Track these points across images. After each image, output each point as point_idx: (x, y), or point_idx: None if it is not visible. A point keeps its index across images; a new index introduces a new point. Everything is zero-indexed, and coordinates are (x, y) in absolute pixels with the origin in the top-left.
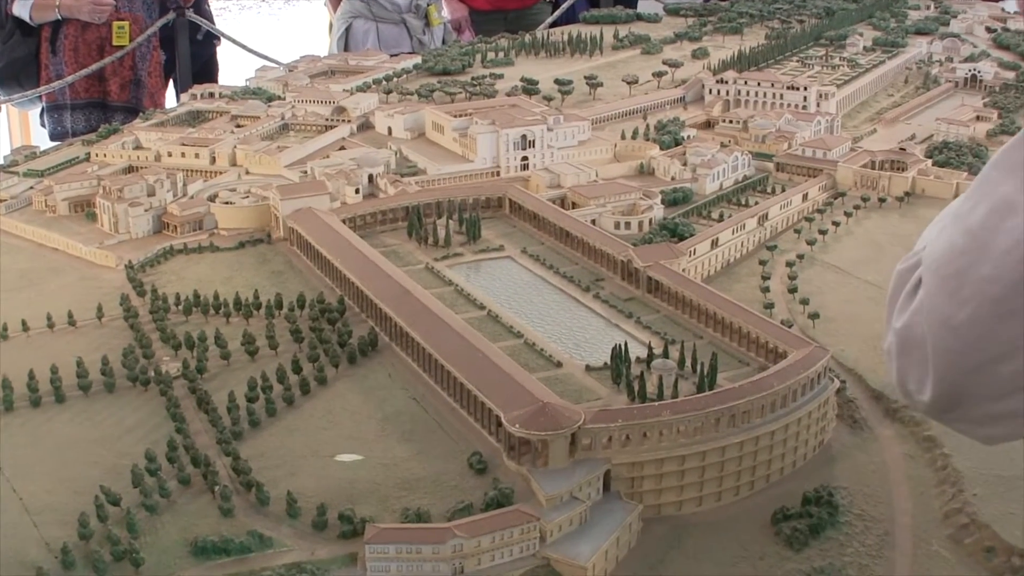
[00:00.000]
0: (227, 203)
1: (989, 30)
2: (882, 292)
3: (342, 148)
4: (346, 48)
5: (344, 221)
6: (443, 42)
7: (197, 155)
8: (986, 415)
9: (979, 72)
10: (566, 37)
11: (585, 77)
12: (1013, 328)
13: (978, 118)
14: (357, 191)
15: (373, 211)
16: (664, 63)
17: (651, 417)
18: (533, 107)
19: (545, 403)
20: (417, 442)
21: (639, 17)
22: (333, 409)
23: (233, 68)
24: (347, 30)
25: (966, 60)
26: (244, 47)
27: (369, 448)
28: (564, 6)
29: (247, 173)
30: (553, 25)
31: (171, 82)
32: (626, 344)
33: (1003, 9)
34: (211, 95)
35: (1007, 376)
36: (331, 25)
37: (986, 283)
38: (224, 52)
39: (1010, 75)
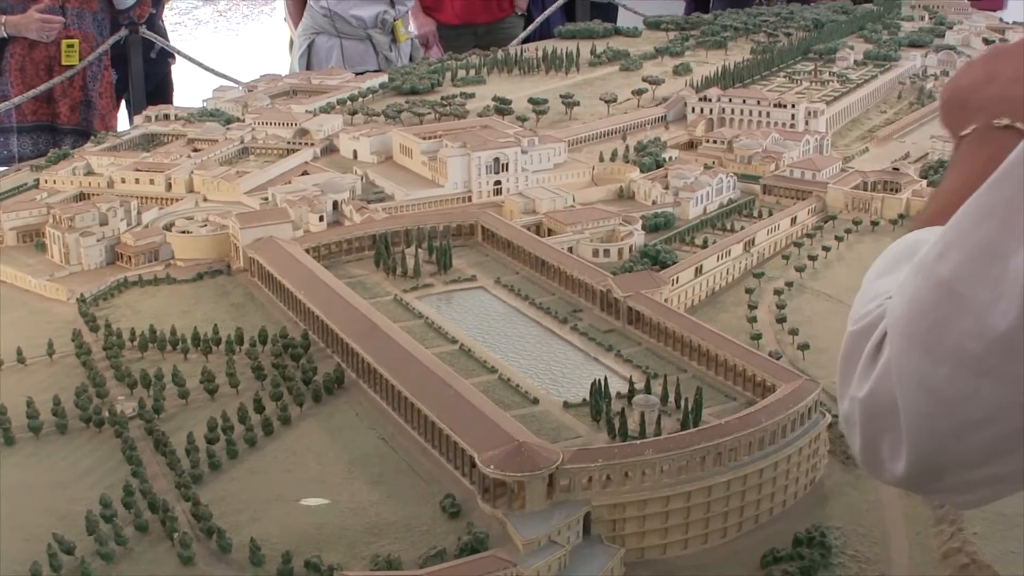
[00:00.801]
0: (184, 232)
1: (986, 42)
2: None
3: (305, 173)
4: (308, 66)
5: (308, 251)
6: (410, 59)
7: (152, 181)
8: (964, 482)
9: None
10: (540, 53)
11: (561, 96)
12: (994, 387)
13: None
14: (321, 219)
15: (338, 240)
16: (644, 80)
17: (633, 456)
18: (506, 128)
19: (521, 442)
20: (387, 485)
21: (617, 31)
22: (298, 450)
23: (189, 88)
24: (309, 47)
25: None
26: (201, 65)
27: (336, 491)
28: (538, 20)
29: (205, 200)
30: (526, 40)
31: (123, 103)
32: (606, 379)
33: (1001, 19)
34: (166, 117)
35: (987, 441)
36: (292, 42)
37: (965, 338)
38: (179, 71)
39: None
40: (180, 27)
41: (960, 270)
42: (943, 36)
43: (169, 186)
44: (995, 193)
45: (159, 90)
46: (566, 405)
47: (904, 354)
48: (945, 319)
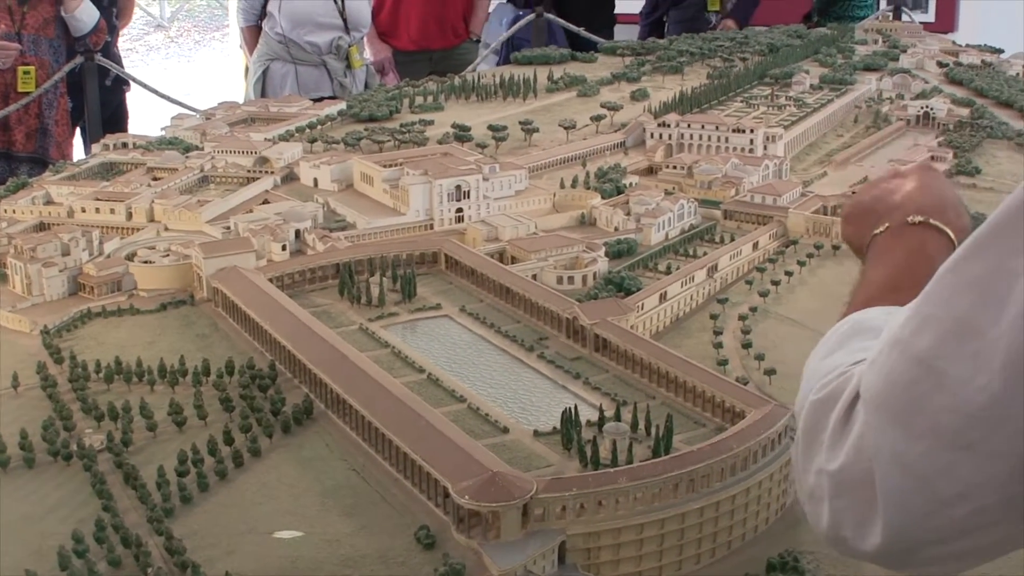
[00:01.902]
0: (146, 262)
1: (941, 65)
2: None
3: (266, 202)
4: (263, 93)
5: (271, 280)
6: (366, 85)
7: (113, 211)
8: (941, 556)
9: (932, 109)
10: (498, 79)
11: (520, 122)
12: (970, 463)
13: (933, 158)
14: (284, 248)
15: (301, 269)
16: (602, 106)
17: (607, 484)
18: (467, 155)
19: (495, 472)
20: (360, 516)
21: (574, 57)
22: (269, 482)
23: (143, 116)
24: (264, 73)
25: (917, 97)
26: (156, 92)
27: (309, 524)
28: (492, 47)
29: (166, 229)
30: (504, 62)
31: (78, 131)
32: (576, 408)
33: (953, 42)
34: (124, 146)
35: (965, 515)
36: (247, 68)
37: (943, 414)
38: (134, 99)
39: (964, 112)
40: (132, 53)
41: (938, 345)
42: (897, 60)
43: (130, 215)
44: (969, 266)
45: (114, 118)
46: (536, 434)
47: (881, 431)
48: (923, 395)
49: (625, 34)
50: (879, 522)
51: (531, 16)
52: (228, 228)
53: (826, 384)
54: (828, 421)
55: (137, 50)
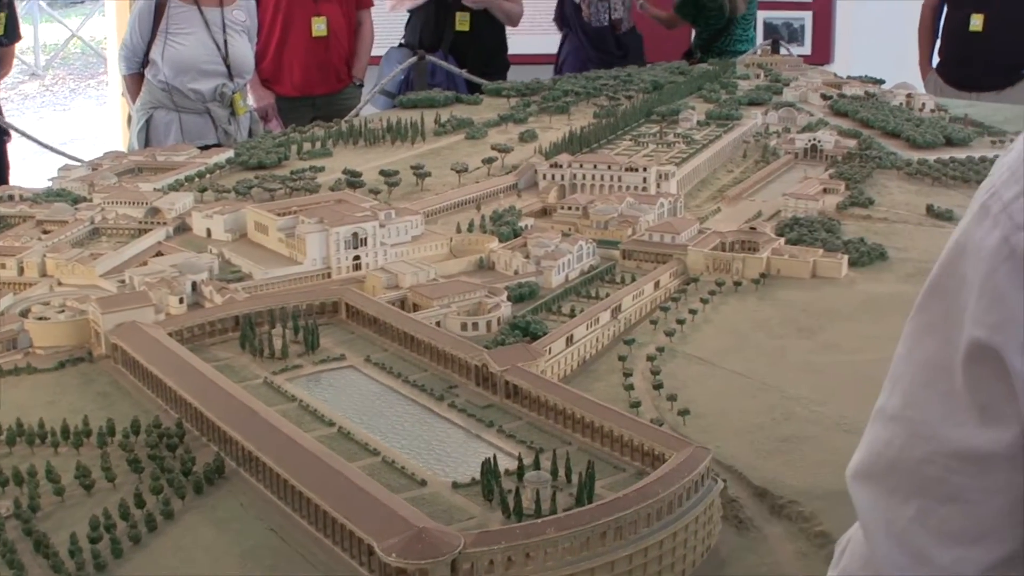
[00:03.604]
0: (42, 319)
1: (824, 97)
2: (750, 382)
3: (159, 254)
4: (147, 141)
5: (171, 334)
6: (250, 132)
7: (3, 265)
8: None
9: (819, 142)
10: (385, 124)
11: (411, 167)
12: (964, 511)
13: (825, 190)
14: (181, 301)
15: (201, 322)
16: (493, 148)
17: (535, 536)
18: (361, 202)
19: (421, 528)
20: None
21: (459, 99)
22: (185, 546)
23: (23, 167)
24: (148, 121)
25: (804, 130)
26: (39, 143)
27: None
28: (374, 90)
29: (60, 284)
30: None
31: None
32: (495, 457)
33: (835, 74)
34: (11, 198)
35: (983, 563)
36: (130, 117)
37: (924, 465)
38: (13, 149)
39: (852, 143)
40: (7, 103)
41: (907, 396)
42: (781, 93)
43: (21, 270)
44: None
45: None
46: (455, 485)
47: (870, 506)
48: (901, 451)
49: (519, 75)
50: None
51: (413, 59)
52: (123, 281)
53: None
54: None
55: (12, 99)
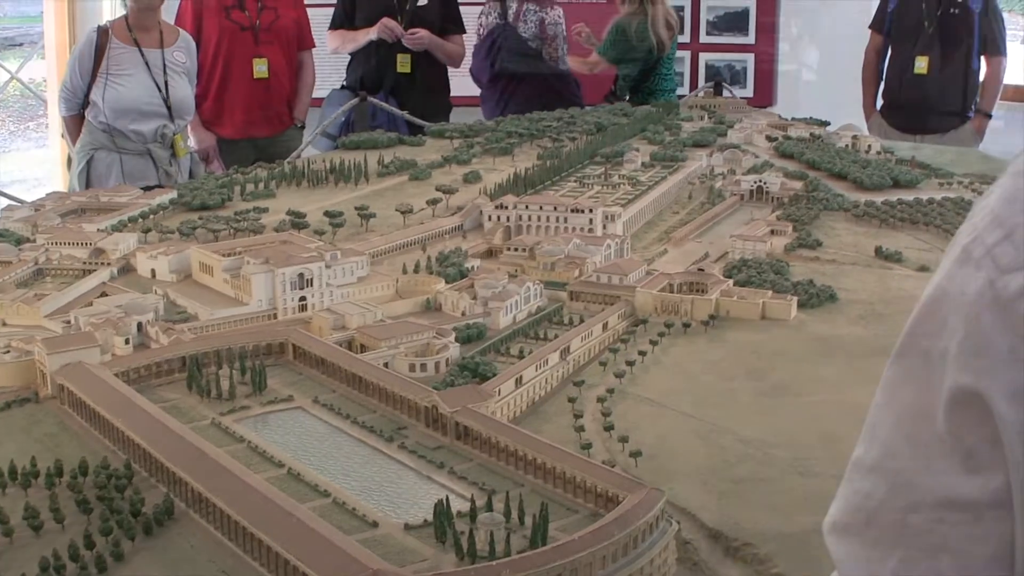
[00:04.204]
0: None
1: (769, 139)
2: (701, 423)
3: (104, 294)
4: (88, 182)
5: (118, 375)
6: (191, 174)
7: None
8: None
9: (765, 183)
10: (328, 165)
11: (356, 208)
12: (954, 560)
13: (772, 232)
14: (127, 341)
15: (147, 363)
16: (437, 189)
17: None
18: (307, 243)
19: (375, 570)
20: None
21: (401, 140)
22: None
23: None
24: (88, 163)
25: (749, 171)
26: None
27: None
28: (315, 132)
29: (4, 325)
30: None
31: None
32: (447, 499)
33: (780, 116)
34: None
35: None
36: (70, 159)
37: (907, 514)
38: None
39: (798, 185)
40: None
41: (886, 446)
42: (725, 135)
43: None
44: (900, 361)
45: None
46: (408, 527)
47: (851, 560)
48: (883, 503)
49: (462, 117)
50: None
51: (355, 101)
52: (68, 322)
53: None
54: None
55: None
